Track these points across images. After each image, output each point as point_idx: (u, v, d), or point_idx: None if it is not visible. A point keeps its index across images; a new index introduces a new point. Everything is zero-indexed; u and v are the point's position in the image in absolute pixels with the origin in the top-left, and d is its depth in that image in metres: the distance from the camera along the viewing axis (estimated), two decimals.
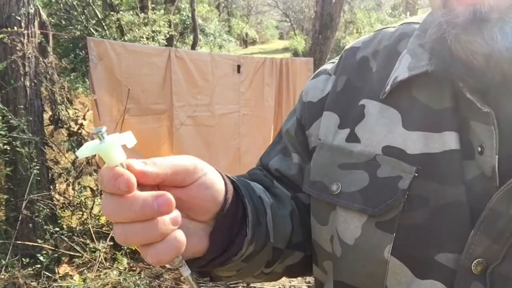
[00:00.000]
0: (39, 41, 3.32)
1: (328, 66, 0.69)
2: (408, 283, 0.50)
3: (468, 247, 0.46)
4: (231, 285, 3.24)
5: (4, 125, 2.97)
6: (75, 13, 8.25)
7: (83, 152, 0.40)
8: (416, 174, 0.51)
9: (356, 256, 0.54)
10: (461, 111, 0.50)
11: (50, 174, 3.50)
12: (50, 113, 3.70)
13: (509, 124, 0.47)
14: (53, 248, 3.14)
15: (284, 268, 0.64)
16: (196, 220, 0.49)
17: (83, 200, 3.59)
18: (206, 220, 0.49)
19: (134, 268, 3.26)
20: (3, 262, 2.81)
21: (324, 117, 0.63)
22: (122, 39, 7.26)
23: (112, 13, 8.07)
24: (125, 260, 3.16)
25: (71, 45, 8.62)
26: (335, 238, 0.56)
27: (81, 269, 3.14)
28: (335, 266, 0.57)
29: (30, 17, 3.13)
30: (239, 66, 4.19)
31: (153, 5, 9.33)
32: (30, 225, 3.18)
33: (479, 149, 0.47)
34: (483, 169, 0.47)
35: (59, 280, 2.96)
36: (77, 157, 3.55)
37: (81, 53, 7.83)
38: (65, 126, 3.56)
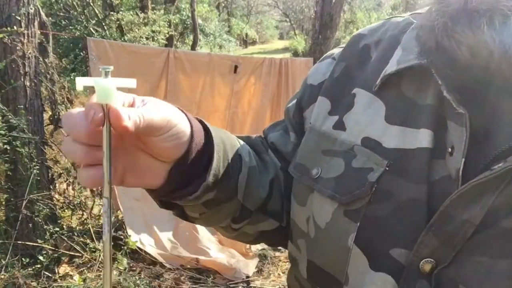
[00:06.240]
0: (39, 41, 3.32)
1: (336, 50, 0.69)
2: (364, 273, 0.50)
3: (418, 245, 0.46)
4: (231, 285, 3.24)
5: (4, 125, 2.96)
6: (75, 13, 8.25)
7: (83, 81, 0.42)
8: (387, 168, 0.50)
9: (325, 240, 0.55)
10: (442, 109, 0.49)
11: (50, 174, 3.49)
12: (50, 113, 3.70)
13: (483, 127, 0.46)
14: (53, 248, 3.14)
15: (257, 231, 0.67)
16: (157, 159, 0.52)
17: (83, 200, 3.59)
18: (168, 162, 0.52)
19: (134, 268, 3.26)
20: (3, 262, 2.81)
21: (318, 102, 0.63)
22: (122, 39, 7.26)
23: (112, 13, 8.06)
24: (125, 260, 3.15)
25: (71, 45, 8.61)
26: (311, 220, 0.58)
27: (81, 269, 3.14)
28: (308, 246, 0.59)
29: (30, 17, 3.13)
30: (236, 67, 4.19)
31: (153, 5, 9.33)
32: (30, 225, 3.18)
33: (450, 149, 0.46)
34: (450, 171, 0.46)
35: (59, 280, 2.96)
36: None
37: (81, 53, 7.81)
38: None
